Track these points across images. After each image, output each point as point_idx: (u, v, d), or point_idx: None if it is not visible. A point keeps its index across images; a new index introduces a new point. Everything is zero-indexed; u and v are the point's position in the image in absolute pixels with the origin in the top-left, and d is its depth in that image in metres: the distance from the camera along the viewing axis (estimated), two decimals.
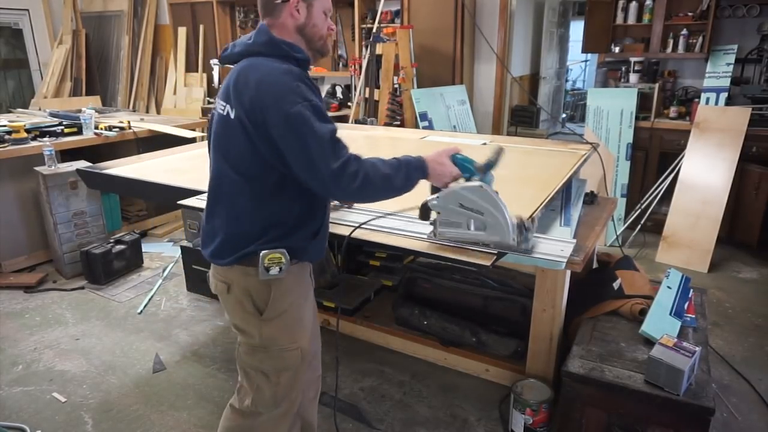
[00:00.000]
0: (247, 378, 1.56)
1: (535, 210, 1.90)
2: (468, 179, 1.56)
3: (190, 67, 6.41)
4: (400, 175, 1.40)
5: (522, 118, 5.73)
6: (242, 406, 1.57)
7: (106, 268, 3.50)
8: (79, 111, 4.30)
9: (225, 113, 1.40)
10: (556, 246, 1.77)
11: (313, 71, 5.73)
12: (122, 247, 3.60)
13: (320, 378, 1.84)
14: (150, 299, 3.29)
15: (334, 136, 1.32)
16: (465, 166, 1.55)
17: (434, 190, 1.63)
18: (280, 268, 1.39)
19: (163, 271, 3.68)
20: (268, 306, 1.45)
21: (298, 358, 1.52)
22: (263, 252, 1.38)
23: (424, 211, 1.69)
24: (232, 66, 1.46)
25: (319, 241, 1.52)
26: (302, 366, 1.55)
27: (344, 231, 1.77)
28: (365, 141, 3.41)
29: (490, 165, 1.57)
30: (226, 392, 2.39)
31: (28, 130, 3.64)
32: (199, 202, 2.04)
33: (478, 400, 2.36)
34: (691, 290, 2.28)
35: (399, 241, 1.76)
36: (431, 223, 1.72)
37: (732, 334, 2.87)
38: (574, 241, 1.90)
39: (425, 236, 1.74)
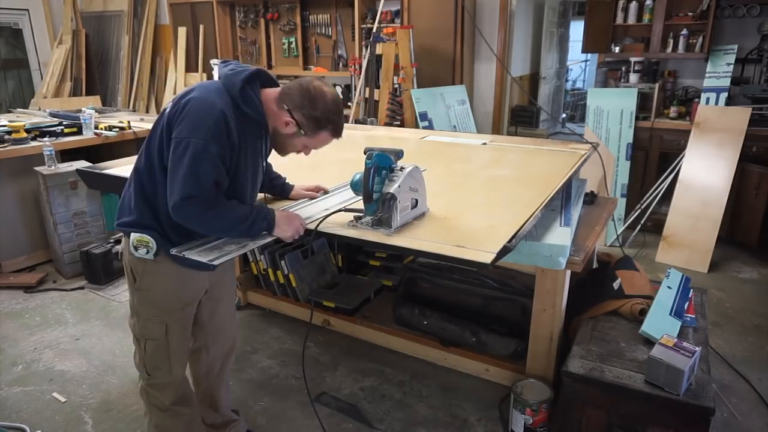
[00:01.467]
0: (132, 341, 1.77)
1: (536, 210, 1.90)
2: (392, 170, 1.73)
3: (190, 67, 6.41)
4: (237, 228, 1.54)
5: (522, 118, 5.73)
6: (137, 362, 1.77)
7: (106, 268, 3.50)
8: (79, 111, 4.29)
9: (166, 108, 1.53)
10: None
11: (314, 71, 5.75)
12: (122, 247, 3.60)
13: (231, 354, 2.00)
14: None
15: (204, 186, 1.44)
16: (387, 158, 1.72)
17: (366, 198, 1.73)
18: (147, 250, 1.56)
19: None
20: (139, 278, 1.63)
21: (162, 332, 1.66)
22: (133, 233, 1.56)
23: (386, 204, 1.72)
24: None
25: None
26: (173, 343, 1.69)
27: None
28: (365, 141, 3.41)
29: (398, 155, 1.78)
30: None
31: (28, 130, 3.64)
32: None
33: (478, 400, 2.36)
34: (691, 290, 2.28)
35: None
36: (381, 219, 1.73)
37: (732, 334, 2.87)
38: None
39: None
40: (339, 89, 5.35)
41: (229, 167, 1.49)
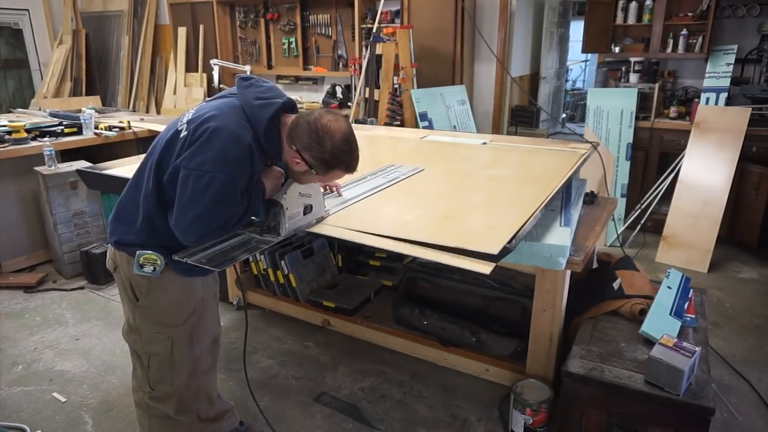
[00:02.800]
0: (131, 356, 1.74)
1: (535, 211, 1.90)
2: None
3: (190, 67, 6.41)
4: (243, 221, 1.52)
5: (522, 118, 5.73)
6: (133, 383, 1.78)
7: (106, 269, 3.49)
8: (79, 111, 4.30)
9: (180, 129, 1.48)
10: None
11: (314, 71, 5.75)
12: None
13: (216, 345, 1.93)
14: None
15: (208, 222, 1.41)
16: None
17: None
18: (154, 268, 1.52)
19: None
20: (143, 296, 1.59)
21: (167, 348, 1.64)
22: (139, 251, 1.51)
23: (274, 212, 1.69)
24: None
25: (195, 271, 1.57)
26: (176, 355, 1.67)
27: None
28: (365, 141, 3.41)
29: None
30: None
31: (28, 130, 3.64)
32: None
33: (478, 400, 2.36)
34: (691, 290, 2.28)
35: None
36: (269, 227, 1.70)
37: (732, 334, 2.87)
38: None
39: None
40: (339, 89, 5.35)
41: None
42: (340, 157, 1.47)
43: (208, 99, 1.66)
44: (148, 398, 1.73)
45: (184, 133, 1.45)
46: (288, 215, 1.64)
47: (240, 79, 1.54)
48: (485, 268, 1.53)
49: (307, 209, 1.75)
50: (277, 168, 1.61)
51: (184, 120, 1.50)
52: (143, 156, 1.64)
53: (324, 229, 1.77)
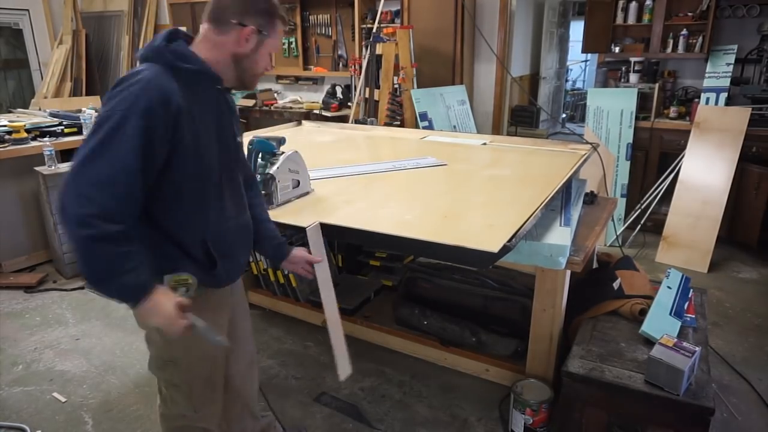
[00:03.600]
0: (164, 389, 1.55)
1: (535, 210, 1.90)
2: (274, 154, 2.00)
3: None
4: (111, 280, 1.20)
5: (522, 118, 5.74)
6: (167, 412, 1.58)
7: None
8: (79, 111, 4.30)
9: None
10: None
11: (314, 71, 5.74)
12: None
13: (252, 363, 1.84)
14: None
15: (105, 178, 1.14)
16: (268, 144, 1.99)
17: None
18: (187, 289, 1.31)
19: None
20: None
21: (208, 369, 1.53)
22: (167, 275, 1.29)
23: (266, 183, 1.97)
24: None
25: (216, 271, 1.40)
26: (216, 374, 1.57)
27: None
28: (365, 141, 3.41)
29: (281, 142, 2.04)
30: None
31: (28, 130, 3.64)
32: None
33: (478, 400, 2.36)
34: (691, 290, 2.28)
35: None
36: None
37: (732, 334, 2.87)
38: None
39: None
40: (339, 89, 5.35)
41: (176, 147, 1.23)
42: (273, 1, 1.38)
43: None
44: (191, 420, 1.58)
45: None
46: (280, 187, 1.93)
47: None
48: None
49: (295, 183, 2.05)
50: (167, 306, 1.23)
51: None
52: None
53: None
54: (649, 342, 1.91)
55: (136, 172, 1.17)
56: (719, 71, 3.93)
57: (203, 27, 1.37)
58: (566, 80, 8.64)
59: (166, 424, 1.62)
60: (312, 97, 5.82)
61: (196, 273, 1.34)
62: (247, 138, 2.06)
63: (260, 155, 2.00)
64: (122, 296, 1.24)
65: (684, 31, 4.01)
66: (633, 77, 4.28)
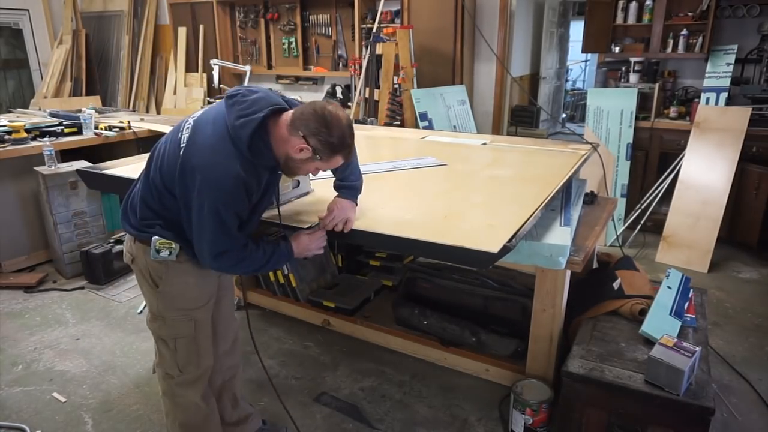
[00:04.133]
0: (155, 344, 1.79)
1: (535, 210, 1.90)
2: None
3: (190, 67, 6.41)
4: (267, 266, 1.67)
5: (522, 118, 5.73)
6: (158, 370, 1.83)
7: (106, 268, 3.50)
8: (79, 111, 4.30)
9: (180, 140, 1.54)
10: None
11: (314, 71, 5.75)
12: (122, 247, 3.60)
13: (236, 344, 2.04)
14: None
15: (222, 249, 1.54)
16: None
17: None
18: (170, 252, 1.60)
19: None
20: (162, 281, 1.66)
21: (191, 328, 1.72)
22: (155, 237, 1.59)
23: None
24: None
25: None
26: (200, 336, 1.75)
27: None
28: (365, 141, 3.41)
29: None
30: None
31: (28, 130, 3.64)
32: None
33: (478, 400, 2.36)
34: (691, 290, 2.28)
35: None
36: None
37: (732, 334, 2.87)
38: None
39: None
40: (339, 89, 5.36)
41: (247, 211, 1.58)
42: (346, 142, 1.53)
43: (208, 101, 1.70)
44: (175, 384, 1.79)
45: (182, 146, 1.53)
46: (281, 187, 1.84)
47: (226, 98, 1.55)
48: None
49: (295, 183, 2.05)
50: (305, 236, 1.73)
51: (185, 134, 1.55)
52: (147, 155, 1.71)
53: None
54: (649, 342, 1.91)
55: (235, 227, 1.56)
56: (719, 71, 3.93)
57: (287, 114, 1.53)
58: (566, 80, 8.64)
59: (161, 386, 1.84)
60: (312, 97, 5.82)
61: (191, 250, 1.61)
62: None
63: None
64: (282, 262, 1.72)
65: (684, 31, 4.01)
66: (633, 77, 4.28)
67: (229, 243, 1.54)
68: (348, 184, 1.82)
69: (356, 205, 1.83)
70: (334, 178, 1.84)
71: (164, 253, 1.60)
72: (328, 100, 1.58)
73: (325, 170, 1.62)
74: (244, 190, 1.50)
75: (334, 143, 1.50)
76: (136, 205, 1.66)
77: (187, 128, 1.56)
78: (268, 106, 1.51)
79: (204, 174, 1.47)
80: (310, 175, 1.86)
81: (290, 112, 1.53)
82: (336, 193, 1.83)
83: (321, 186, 2.14)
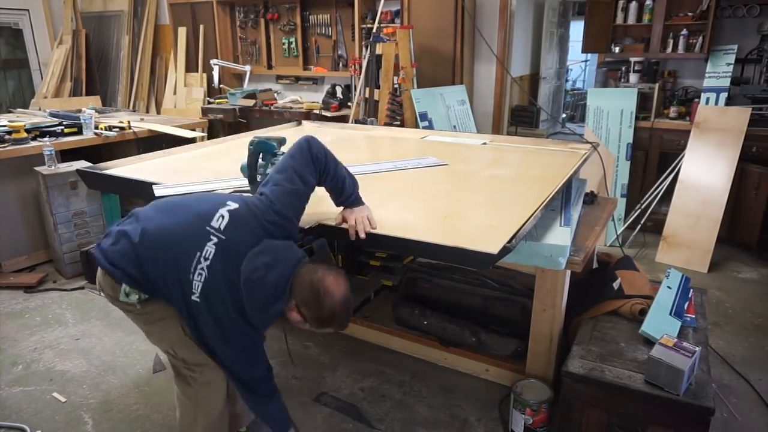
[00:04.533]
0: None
1: (536, 210, 1.90)
2: (274, 154, 1.96)
3: (190, 67, 6.41)
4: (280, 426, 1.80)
5: (522, 118, 5.73)
6: (177, 386, 1.82)
7: None
8: (79, 111, 4.30)
9: (206, 246, 1.54)
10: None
11: (314, 71, 5.75)
12: None
13: None
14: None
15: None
16: (269, 144, 1.94)
17: None
18: (139, 297, 1.59)
19: None
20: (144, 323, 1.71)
21: (181, 334, 1.67)
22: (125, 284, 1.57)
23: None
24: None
25: None
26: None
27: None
28: (365, 141, 3.41)
29: (281, 142, 2.01)
30: None
31: (28, 130, 3.64)
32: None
33: (478, 400, 2.36)
34: (691, 290, 2.28)
35: None
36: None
37: (732, 334, 2.87)
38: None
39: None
40: (339, 89, 5.35)
41: None
42: (336, 318, 1.54)
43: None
44: (199, 387, 1.76)
45: (221, 232, 1.55)
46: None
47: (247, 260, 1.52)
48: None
49: None
50: None
51: (231, 203, 1.61)
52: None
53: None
54: (649, 342, 1.91)
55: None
56: (719, 71, 3.93)
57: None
58: (566, 80, 8.64)
59: (182, 398, 1.82)
60: (312, 97, 5.82)
61: None
62: (247, 138, 2.07)
63: (261, 155, 2.00)
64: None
65: (684, 31, 4.01)
66: (633, 77, 4.28)
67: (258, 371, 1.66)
68: (351, 200, 1.82)
69: (364, 204, 1.84)
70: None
71: (133, 297, 1.58)
72: (330, 268, 1.57)
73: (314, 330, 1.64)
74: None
75: (323, 318, 1.53)
76: (125, 247, 1.58)
77: (219, 226, 1.56)
78: (282, 295, 1.51)
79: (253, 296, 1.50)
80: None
81: (297, 271, 1.52)
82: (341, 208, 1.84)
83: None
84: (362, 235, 1.74)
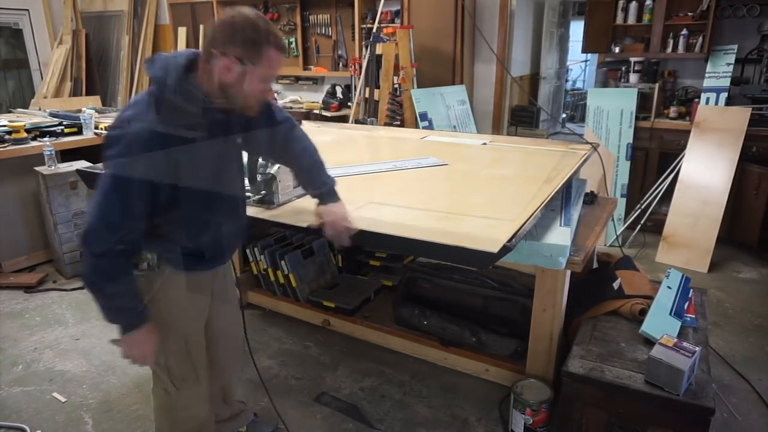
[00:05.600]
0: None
1: (535, 210, 1.90)
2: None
3: None
4: (107, 307, 1.47)
5: (522, 118, 5.73)
6: (155, 389, 1.75)
7: None
8: (79, 111, 4.30)
9: None
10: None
11: (314, 71, 5.75)
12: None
13: (237, 349, 1.97)
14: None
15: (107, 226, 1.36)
16: None
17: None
18: (148, 264, 1.52)
19: None
20: (147, 299, 1.55)
21: (182, 346, 1.64)
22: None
23: (267, 183, 1.98)
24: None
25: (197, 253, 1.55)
26: (194, 350, 1.67)
27: None
28: (365, 141, 3.41)
29: None
30: None
31: (28, 130, 3.64)
32: None
33: (478, 400, 2.36)
34: (691, 290, 2.28)
35: None
36: (264, 198, 1.99)
37: (732, 334, 2.87)
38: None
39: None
40: (339, 89, 5.36)
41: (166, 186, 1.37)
42: (262, 30, 1.33)
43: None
44: (176, 402, 1.71)
45: None
46: (281, 187, 1.91)
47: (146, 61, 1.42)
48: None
49: (295, 183, 2.01)
50: (143, 336, 1.53)
51: None
52: None
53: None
54: (649, 342, 1.91)
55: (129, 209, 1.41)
56: (719, 71, 3.93)
57: (196, 52, 1.41)
58: (566, 80, 8.64)
59: (155, 402, 1.77)
60: (312, 97, 5.82)
61: (174, 258, 1.52)
62: None
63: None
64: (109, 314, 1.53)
65: (684, 31, 4.01)
66: (633, 77, 4.28)
67: (104, 233, 1.35)
68: (326, 191, 1.74)
69: (341, 200, 1.75)
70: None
71: (143, 267, 1.52)
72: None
73: (268, 76, 1.40)
74: (155, 148, 1.31)
75: (252, 37, 1.32)
76: None
77: None
78: (185, 55, 1.38)
79: (109, 134, 1.33)
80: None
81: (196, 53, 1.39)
82: (316, 202, 1.76)
83: None
84: (347, 244, 1.66)
